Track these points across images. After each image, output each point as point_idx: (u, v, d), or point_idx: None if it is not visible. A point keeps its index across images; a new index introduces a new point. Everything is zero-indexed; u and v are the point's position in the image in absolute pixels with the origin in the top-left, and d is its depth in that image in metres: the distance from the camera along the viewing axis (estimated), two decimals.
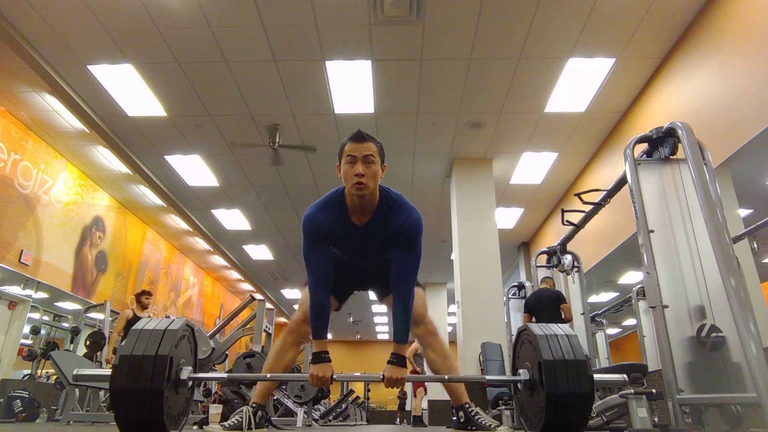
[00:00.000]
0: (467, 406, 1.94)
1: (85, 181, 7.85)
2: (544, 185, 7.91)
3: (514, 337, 1.97)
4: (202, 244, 10.81)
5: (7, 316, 6.57)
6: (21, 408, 5.38)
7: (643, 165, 3.12)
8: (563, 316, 4.89)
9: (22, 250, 6.45)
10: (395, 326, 1.90)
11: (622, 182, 3.59)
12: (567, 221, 4.86)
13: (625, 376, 1.80)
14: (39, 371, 6.85)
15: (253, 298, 5.25)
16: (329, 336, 2.04)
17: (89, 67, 5.36)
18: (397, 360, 1.87)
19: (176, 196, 8.43)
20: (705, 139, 2.92)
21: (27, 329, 6.88)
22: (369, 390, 14.52)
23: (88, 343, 5.97)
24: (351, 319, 17.73)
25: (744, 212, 5.05)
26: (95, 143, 6.89)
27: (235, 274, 13.18)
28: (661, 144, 3.11)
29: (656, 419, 2.89)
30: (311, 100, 5.93)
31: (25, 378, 6.76)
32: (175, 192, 8.30)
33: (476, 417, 1.89)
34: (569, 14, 4.65)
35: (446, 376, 2.03)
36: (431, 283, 12.99)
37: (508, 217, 9.08)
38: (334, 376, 1.84)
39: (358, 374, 1.95)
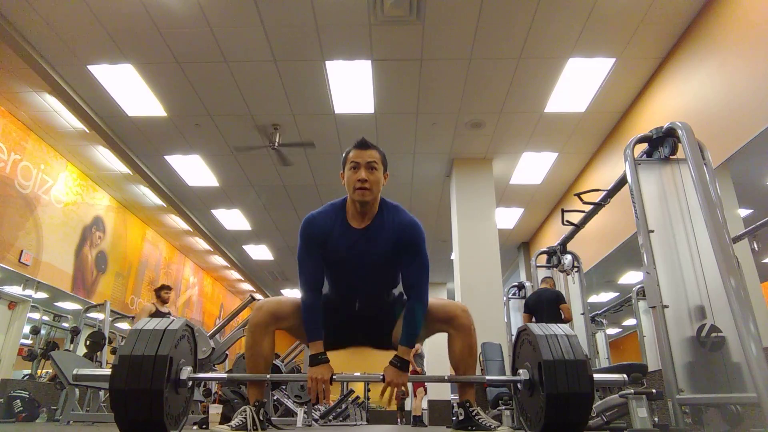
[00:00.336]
0: (468, 404, 1.94)
1: (85, 181, 7.85)
2: (544, 185, 7.91)
3: (514, 337, 1.97)
4: (202, 244, 10.81)
5: (7, 316, 6.56)
6: (21, 408, 5.38)
7: (643, 165, 3.12)
8: (563, 316, 4.90)
9: (22, 250, 6.45)
10: (404, 329, 1.88)
11: (622, 182, 3.59)
12: (567, 221, 4.85)
13: (625, 376, 1.80)
14: (39, 371, 6.85)
15: (253, 298, 5.23)
16: None
17: (89, 67, 5.36)
18: (400, 363, 1.85)
19: (176, 196, 8.43)
20: (705, 139, 2.91)
21: (27, 329, 6.87)
22: (369, 390, 14.51)
23: (88, 343, 5.96)
24: None
25: (744, 212, 5.05)
26: (95, 143, 6.89)
27: (235, 274, 13.18)
28: (661, 144, 3.11)
29: (656, 419, 2.89)
30: (311, 100, 5.93)
31: (25, 378, 6.76)
32: (175, 192, 8.30)
33: (476, 417, 1.89)
34: (569, 14, 4.65)
35: (446, 376, 2.02)
36: (431, 283, 12.95)
37: (508, 217, 9.08)
38: (333, 377, 1.82)
39: (358, 374, 1.93)
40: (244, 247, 11.01)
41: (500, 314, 6.62)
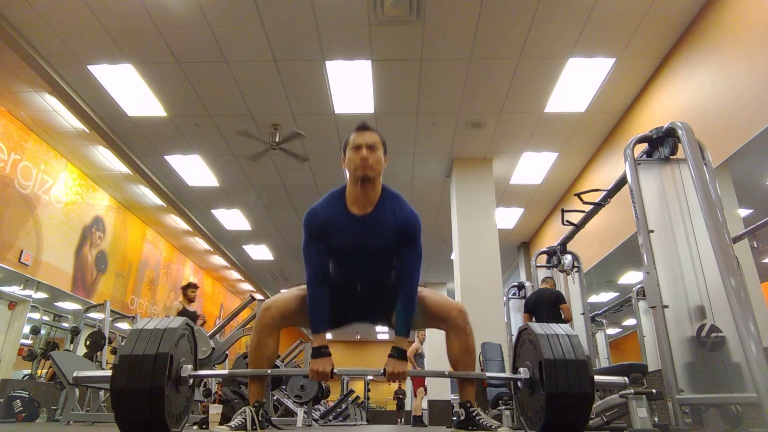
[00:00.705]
0: (469, 405, 1.94)
1: (85, 181, 7.85)
2: (544, 185, 7.91)
3: (514, 337, 1.97)
4: (202, 244, 10.81)
5: (7, 316, 6.57)
6: (21, 408, 5.38)
7: (643, 165, 3.12)
8: (563, 317, 4.90)
9: (22, 250, 6.45)
10: (397, 319, 1.91)
11: (622, 182, 3.59)
12: (567, 221, 4.85)
13: (625, 378, 1.81)
14: (39, 371, 6.85)
15: (253, 298, 5.25)
16: (329, 336, 2.03)
17: (89, 67, 5.36)
18: (398, 353, 1.87)
19: (176, 196, 8.43)
20: (705, 139, 2.91)
21: (27, 329, 6.88)
22: (369, 390, 14.52)
23: (88, 343, 5.96)
24: None
25: (744, 212, 5.05)
26: (95, 143, 6.89)
27: (235, 274, 13.18)
28: (661, 144, 3.10)
29: (656, 419, 2.89)
30: (311, 100, 5.93)
31: (25, 378, 6.76)
32: (175, 192, 8.30)
33: (477, 417, 1.89)
34: (569, 14, 4.65)
35: (446, 371, 2.03)
36: (431, 283, 12.99)
37: (508, 217, 9.08)
38: (334, 371, 1.85)
39: (358, 368, 1.94)
40: (244, 247, 11.00)
41: (500, 314, 6.62)
